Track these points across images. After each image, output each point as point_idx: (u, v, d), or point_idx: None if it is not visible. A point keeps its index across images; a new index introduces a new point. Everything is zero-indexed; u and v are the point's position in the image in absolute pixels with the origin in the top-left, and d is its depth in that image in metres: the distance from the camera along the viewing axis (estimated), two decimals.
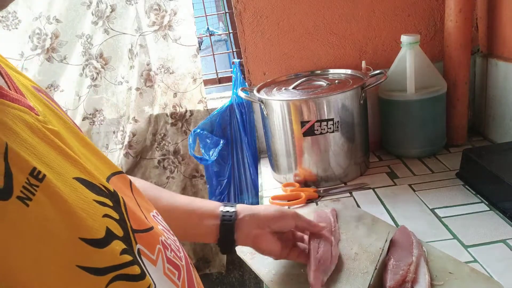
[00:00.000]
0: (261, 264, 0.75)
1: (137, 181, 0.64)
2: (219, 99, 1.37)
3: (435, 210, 0.85)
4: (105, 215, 0.36)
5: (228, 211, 0.70)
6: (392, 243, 0.72)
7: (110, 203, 0.37)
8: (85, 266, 0.31)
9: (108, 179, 0.41)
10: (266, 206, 0.79)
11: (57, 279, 0.30)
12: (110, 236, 0.35)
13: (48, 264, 0.30)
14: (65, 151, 0.36)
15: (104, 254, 0.34)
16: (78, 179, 0.35)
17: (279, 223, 0.71)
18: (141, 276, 0.36)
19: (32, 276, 0.28)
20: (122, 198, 0.40)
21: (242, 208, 0.71)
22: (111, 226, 0.36)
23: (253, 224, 0.70)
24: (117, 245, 0.35)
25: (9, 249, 0.28)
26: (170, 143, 1.32)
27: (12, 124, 0.32)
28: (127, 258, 0.35)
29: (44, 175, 0.32)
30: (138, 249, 0.39)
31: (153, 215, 0.46)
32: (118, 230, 0.37)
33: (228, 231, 0.69)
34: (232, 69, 1.26)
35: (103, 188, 0.38)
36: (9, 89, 0.36)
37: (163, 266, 0.42)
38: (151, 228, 0.43)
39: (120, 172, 0.43)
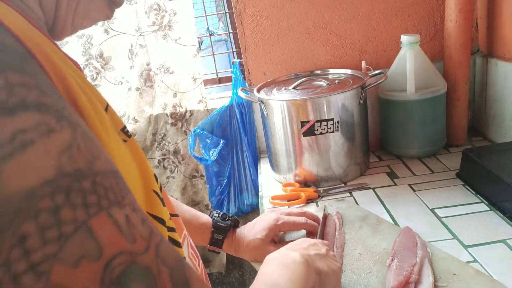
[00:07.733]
0: None
1: None
2: (219, 99, 1.37)
3: (435, 210, 0.85)
4: (153, 190, 0.41)
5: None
6: (396, 244, 0.71)
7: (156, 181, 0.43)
8: (152, 213, 0.37)
9: None
10: (253, 228, 0.79)
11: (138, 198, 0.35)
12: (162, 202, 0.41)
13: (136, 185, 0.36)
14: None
15: (165, 211, 0.39)
16: None
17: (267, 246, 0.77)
18: (180, 244, 0.41)
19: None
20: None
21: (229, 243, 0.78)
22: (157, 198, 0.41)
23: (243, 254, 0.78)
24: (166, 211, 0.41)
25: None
26: (170, 143, 1.32)
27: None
28: (172, 224, 0.41)
29: (131, 135, 0.40)
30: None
31: None
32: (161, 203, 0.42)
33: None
34: (232, 69, 1.26)
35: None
36: None
37: (188, 250, 0.45)
38: (177, 215, 0.47)
39: None
